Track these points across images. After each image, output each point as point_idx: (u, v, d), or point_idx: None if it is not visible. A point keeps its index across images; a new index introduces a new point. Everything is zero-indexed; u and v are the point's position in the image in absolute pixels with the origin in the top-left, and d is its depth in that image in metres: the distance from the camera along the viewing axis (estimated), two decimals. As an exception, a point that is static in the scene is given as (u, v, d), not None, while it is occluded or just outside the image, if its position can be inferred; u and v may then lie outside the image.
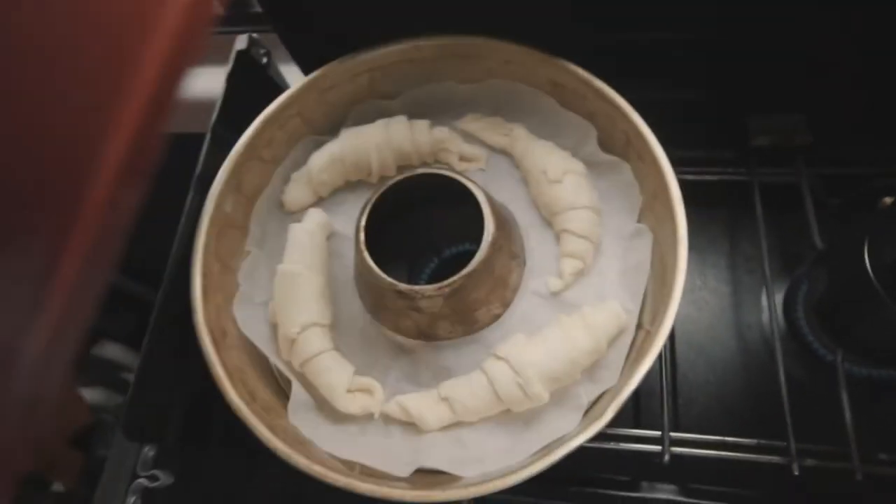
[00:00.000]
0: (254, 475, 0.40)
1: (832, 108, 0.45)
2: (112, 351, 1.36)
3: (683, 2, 0.39)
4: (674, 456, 0.38)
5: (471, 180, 0.35)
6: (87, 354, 1.34)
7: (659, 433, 0.38)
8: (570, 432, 0.32)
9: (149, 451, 0.34)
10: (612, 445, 0.38)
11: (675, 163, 0.44)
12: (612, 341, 0.34)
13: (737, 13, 0.40)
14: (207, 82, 0.43)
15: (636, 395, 0.41)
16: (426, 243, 0.43)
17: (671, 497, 0.39)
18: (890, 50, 0.38)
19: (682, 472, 0.39)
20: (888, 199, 0.38)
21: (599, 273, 0.37)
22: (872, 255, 0.33)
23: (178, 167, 0.39)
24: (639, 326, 0.35)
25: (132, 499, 0.32)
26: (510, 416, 0.34)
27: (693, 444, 0.38)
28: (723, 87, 0.46)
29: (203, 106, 0.43)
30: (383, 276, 0.33)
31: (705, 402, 0.41)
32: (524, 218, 0.39)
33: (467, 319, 0.36)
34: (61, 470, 0.85)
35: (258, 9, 0.46)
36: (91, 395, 1.30)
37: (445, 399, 0.34)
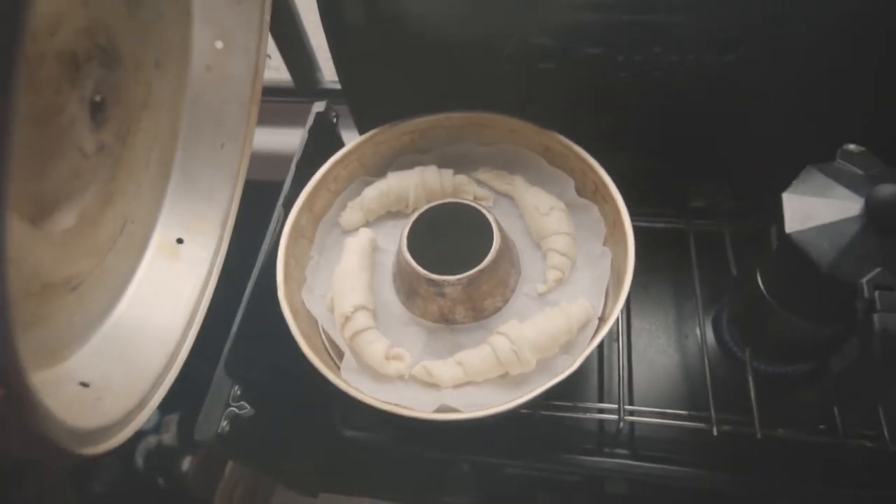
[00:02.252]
0: (310, 414, 0.51)
1: (749, 179, 0.61)
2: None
3: (642, 99, 0.56)
4: (626, 424, 0.50)
5: (484, 207, 0.50)
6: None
7: (616, 406, 0.50)
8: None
9: (237, 389, 0.45)
10: (581, 415, 0.51)
11: (632, 213, 0.60)
12: (582, 328, 0.47)
13: (682, 109, 0.56)
14: (291, 139, 0.58)
15: (600, 378, 0.54)
16: (449, 256, 0.56)
17: (626, 462, 0.51)
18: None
19: (633, 439, 0.51)
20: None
21: (574, 282, 0.51)
22: (763, 277, 0.47)
23: (271, 198, 0.53)
24: (601, 319, 0.48)
25: (224, 422, 0.44)
26: (507, 379, 0.47)
27: (642, 414, 0.50)
28: (671, 161, 0.62)
29: (281, 157, 0.57)
30: (420, 269, 0.47)
31: (653, 389, 0.54)
32: (520, 242, 0.54)
33: (477, 307, 0.49)
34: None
35: (329, 86, 0.62)
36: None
37: (460, 363, 0.46)
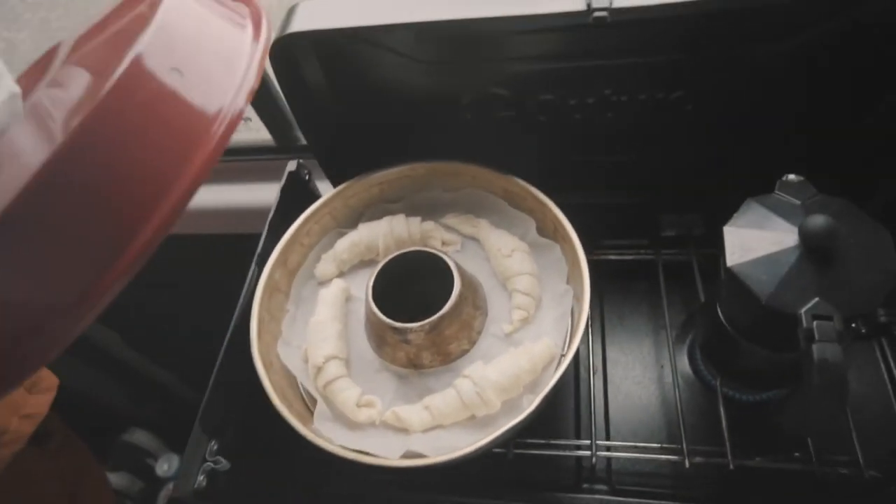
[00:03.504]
0: (290, 466, 0.52)
1: (718, 207, 0.62)
2: (140, 438, 1.47)
3: (599, 137, 0.58)
4: (602, 460, 0.51)
5: (447, 255, 0.51)
6: (116, 440, 1.43)
7: (589, 441, 0.50)
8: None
9: (214, 445, 0.47)
10: (554, 452, 0.51)
11: (603, 247, 0.61)
12: (546, 366, 0.48)
13: (638, 144, 0.58)
14: (267, 194, 0.61)
15: (577, 412, 0.54)
16: (416, 303, 0.58)
17: (604, 497, 0.51)
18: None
19: (610, 473, 0.51)
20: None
21: (539, 320, 0.52)
22: (721, 306, 0.48)
23: (247, 252, 0.56)
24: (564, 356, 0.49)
25: (202, 477, 0.45)
26: (474, 421, 0.48)
27: (616, 449, 0.51)
28: (637, 194, 0.63)
29: (265, 210, 0.60)
30: (384, 317, 0.48)
31: (631, 421, 0.54)
32: (487, 283, 0.55)
33: (443, 351, 0.50)
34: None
35: (303, 142, 0.65)
36: (116, 479, 1.39)
37: (427, 407, 0.48)
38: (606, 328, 0.60)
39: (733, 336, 0.47)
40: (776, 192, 0.42)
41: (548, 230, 0.55)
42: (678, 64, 0.49)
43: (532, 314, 0.52)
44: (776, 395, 0.51)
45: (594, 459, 0.49)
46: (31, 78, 0.33)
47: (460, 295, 0.49)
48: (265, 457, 0.51)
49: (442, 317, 0.48)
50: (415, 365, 0.51)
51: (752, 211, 0.42)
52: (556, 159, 0.62)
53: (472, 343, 0.51)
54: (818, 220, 0.37)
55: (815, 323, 0.36)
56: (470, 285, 0.51)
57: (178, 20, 0.30)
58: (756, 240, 0.40)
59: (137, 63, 0.27)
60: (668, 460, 0.50)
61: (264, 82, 0.67)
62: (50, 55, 0.35)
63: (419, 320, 0.48)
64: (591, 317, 0.59)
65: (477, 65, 0.53)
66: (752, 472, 0.47)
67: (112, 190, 0.26)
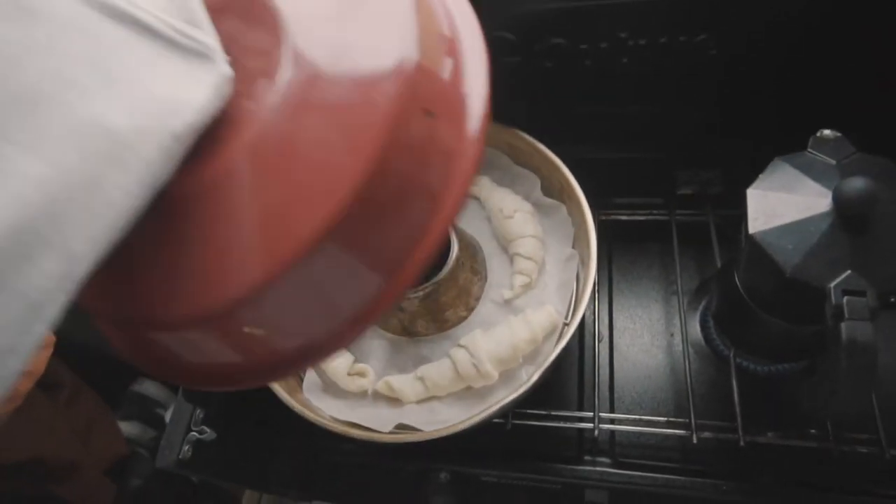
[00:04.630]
0: (279, 436, 0.51)
1: (739, 163, 0.57)
2: (149, 388, 1.48)
3: (610, 86, 0.53)
4: (605, 432, 0.49)
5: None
6: (127, 390, 1.46)
7: (592, 413, 0.48)
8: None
9: (199, 413, 0.45)
10: (558, 424, 0.49)
11: (613, 207, 0.57)
12: (548, 336, 0.45)
13: (653, 93, 0.53)
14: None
15: (580, 382, 0.52)
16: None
17: (606, 470, 0.49)
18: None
19: (614, 445, 0.49)
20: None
21: (542, 286, 0.49)
22: (739, 275, 0.44)
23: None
24: (567, 325, 0.46)
25: (187, 447, 0.44)
26: (470, 392, 0.45)
27: (620, 422, 0.48)
28: (651, 149, 0.58)
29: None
30: (376, 283, 0.45)
31: (636, 392, 0.51)
32: (487, 246, 0.52)
33: (439, 318, 0.47)
34: (96, 499, 0.96)
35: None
36: (127, 428, 1.42)
37: (420, 378, 0.45)
38: (614, 293, 0.56)
39: (751, 307, 0.43)
40: (808, 149, 0.38)
41: (553, 189, 0.51)
42: (703, 2, 0.44)
43: (534, 280, 0.48)
44: (793, 367, 0.48)
45: (597, 432, 0.47)
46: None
47: (457, 260, 0.45)
48: (254, 426, 0.50)
49: (437, 283, 0.45)
50: (409, 332, 0.48)
51: (781, 171, 0.38)
52: (565, 110, 0.57)
53: (470, 310, 0.48)
54: (855, 183, 0.33)
55: (845, 299, 0.32)
56: (468, 249, 0.48)
57: None
58: (783, 204, 0.36)
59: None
60: (675, 434, 0.47)
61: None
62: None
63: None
64: (599, 281, 0.55)
65: (483, 5, 0.48)
66: (763, 449, 0.45)
67: (400, 214, 0.27)
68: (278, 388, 0.44)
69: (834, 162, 0.36)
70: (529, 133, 0.51)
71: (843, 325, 0.32)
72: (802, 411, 0.45)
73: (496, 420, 0.48)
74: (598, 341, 0.52)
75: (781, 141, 0.40)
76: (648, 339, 0.54)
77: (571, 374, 0.53)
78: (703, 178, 0.58)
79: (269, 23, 0.27)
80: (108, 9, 0.23)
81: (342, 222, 0.24)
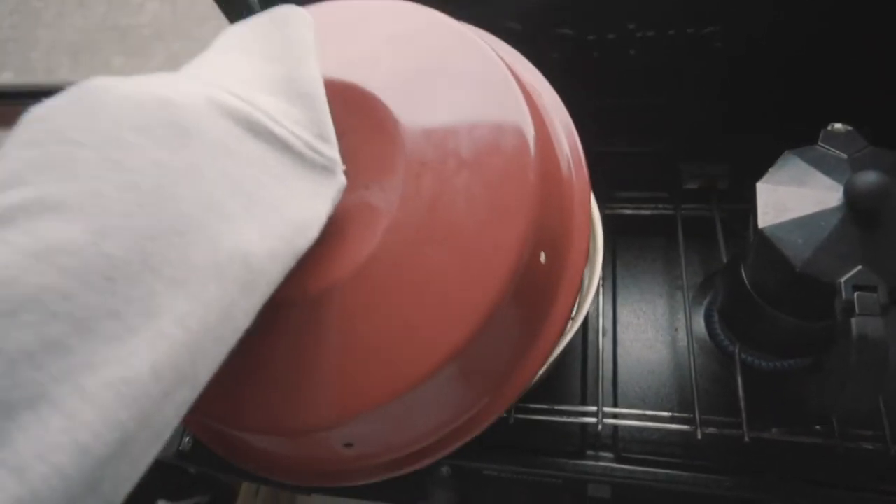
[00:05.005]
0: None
1: (746, 157, 0.56)
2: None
3: (618, 78, 0.52)
4: (608, 427, 0.48)
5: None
6: None
7: (596, 408, 0.48)
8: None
9: (201, 405, 0.45)
10: (560, 419, 0.49)
11: (617, 200, 0.56)
12: (552, 330, 0.45)
13: (660, 86, 0.53)
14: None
15: (583, 376, 0.51)
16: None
17: (609, 465, 0.48)
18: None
19: (616, 440, 0.49)
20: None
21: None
22: (745, 269, 0.43)
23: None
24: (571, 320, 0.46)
25: (187, 438, 0.43)
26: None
27: (623, 417, 0.48)
28: (657, 142, 0.58)
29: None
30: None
31: (640, 387, 0.51)
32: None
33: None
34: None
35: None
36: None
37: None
38: (618, 288, 0.56)
39: (758, 302, 0.43)
40: (819, 143, 0.37)
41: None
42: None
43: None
44: (798, 363, 0.48)
45: (600, 427, 0.47)
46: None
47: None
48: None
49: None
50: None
51: (791, 165, 0.37)
52: (569, 102, 0.56)
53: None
54: (867, 177, 0.33)
55: (856, 294, 0.32)
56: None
57: None
58: (793, 198, 0.36)
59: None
60: (679, 429, 0.47)
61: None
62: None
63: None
64: (602, 275, 0.55)
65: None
66: (767, 445, 0.44)
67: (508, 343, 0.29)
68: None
69: (845, 156, 0.36)
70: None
71: (853, 321, 0.32)
72: (809, 407, 0.45)
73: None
74: (602, 336, 0.51)
75: (789, 135, 0.40)
76: (652, 334, 0.54)
77: (574, 368, 0.53)
78: (710, 172, 0.57)
79: (389, 148, 0.28)
80: (252, 125, 0.24)
81: (462, 352, 0.24)
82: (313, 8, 0.31)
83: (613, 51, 0.49)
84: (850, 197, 0.33)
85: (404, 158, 0.28)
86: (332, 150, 0.26)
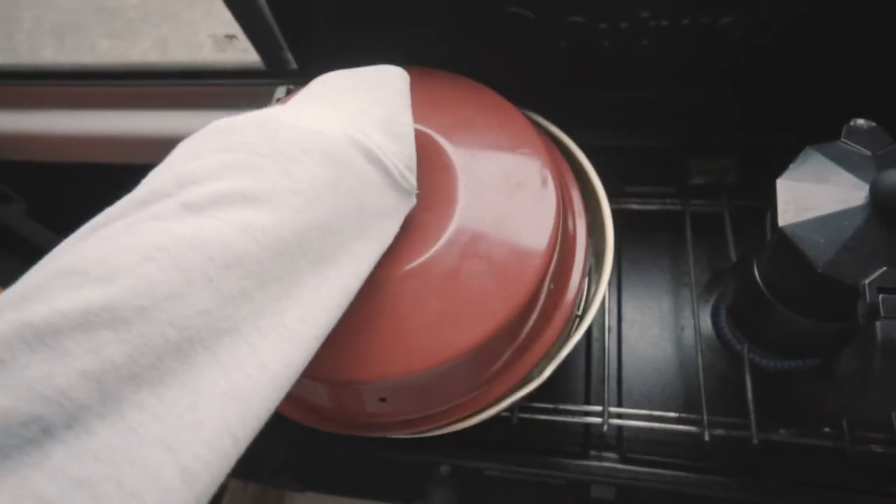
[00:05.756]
0: (268, 426, 0.49)
1: (755, 153, 0.55)
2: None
3: (628, 69, 0.51)
4: (612, 427, 0.47)
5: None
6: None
7: (601, 408, 0.46)
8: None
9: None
10: (564, 418, 0.47)
11: (624, 195, 0.55)
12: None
13: (673, 77, 0.51)
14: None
15: (587, 374, 0.50)
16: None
17: (613, 465, 0.47)
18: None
19: (621, 440, 0.48)
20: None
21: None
22: (759, 267, 0.42)
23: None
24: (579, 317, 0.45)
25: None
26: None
27: (628, 417, 0.47)
28: (666, 135, 0.56)
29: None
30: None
31: (644, 386, 0.50)
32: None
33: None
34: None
35: (294, 66, 0.58)
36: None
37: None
38: (623, 284, 0.55)
39: (770, 302, 0.42)
40: (842, 139, 0.36)
41: (568, 174, 0.49)
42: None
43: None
44: (806, 364, 0.47)
45: (606, 427, 0.46)
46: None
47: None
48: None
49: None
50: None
51: (813, 162, 0.36)
52: (576, 93, 0.55)
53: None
54: (895, 175, 0.31)
55: (880, 297, 0.31)
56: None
57: None
58: (815, 196, 0.34)
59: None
60: (686, 430, 0.46)
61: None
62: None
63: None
64: (608, 272, 0.54)
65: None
66: (775, 447, 0.44)
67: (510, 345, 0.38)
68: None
69: (869, 153, 0.35)
70: (539, 114, 0.49)
71: (878, 325, 0.30)
72: (819, 409, 0.44)
73: (503, 413, 0.47)
74: (608, 333, 0.50)
75: (801, 131, 0.39)
76: (658, 332, 0.52)
77: (578, 366, 0.52)
78: (718, 167, 0.56)
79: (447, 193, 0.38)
80: (368, 154, 0.32)
81: (481, 344, 0.33)
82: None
83: (625, 40, 0.47)
84: (877, 196, 0.32)
85: (460, 193, 0.37)
86: (414, 179, 0.35)
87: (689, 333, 0.52)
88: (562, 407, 0.47)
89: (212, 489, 0.21)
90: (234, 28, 0.58)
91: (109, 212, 0.25)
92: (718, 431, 0.44)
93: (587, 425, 0.48)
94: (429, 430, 0.39)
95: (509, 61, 0.50)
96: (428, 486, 0.51)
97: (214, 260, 0.23)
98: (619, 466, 0.47)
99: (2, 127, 0.70)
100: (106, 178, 0.49)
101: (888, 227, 0.32)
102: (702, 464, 0.46)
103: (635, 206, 0.56)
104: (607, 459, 0.48)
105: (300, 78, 0.57)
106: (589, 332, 0.52)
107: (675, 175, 0.56)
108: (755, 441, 0.43)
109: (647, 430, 0.47)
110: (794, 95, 0.49)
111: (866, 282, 0.32)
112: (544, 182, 0.38)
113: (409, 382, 0.34)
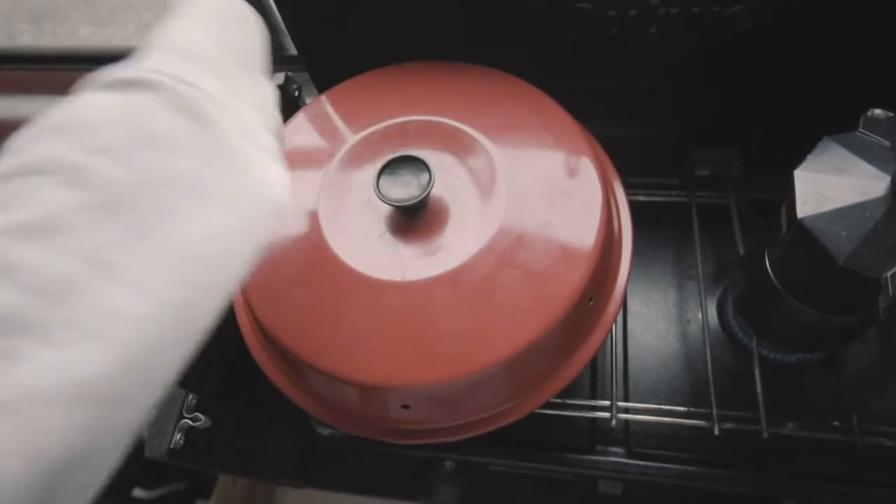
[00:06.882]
0: (269, 423, 0.48)
1: (762, 144, 0.55)
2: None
3: (635, 57, 0.50)
4: (620, 421, 0.47)
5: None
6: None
7: (609, 402, 0.46)
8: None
9: (192, 399, 0.42)
10: (571, 413, 0.47)
11: (629, 187, 0.54)
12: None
13: (681, 67, 0.50)
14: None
15: (593, 372, 0.50)
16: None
17: (620, 460, 0.47)
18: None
19: (628, 435, 0.47)
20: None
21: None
22: (771, 260, 0.42)
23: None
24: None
25: (178, 435, 0.40)
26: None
27: (636, 412, 0.46)
28: (672, 126, 0.56)
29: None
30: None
31: (651, 380, 0.50)
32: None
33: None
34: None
35: (293, 52, 0.56)
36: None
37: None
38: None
39: (782, 294, 0.41)
40: (860, 130, 0.36)
41: (574, 166, 0.48)
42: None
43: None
44: (814, 356, 0.47)
45: (614, 422, 0.45)
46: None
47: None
48: (250, 413, 0.46)
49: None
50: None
51: (831, 152, 0.35)
52: (582, 81, 0.54)
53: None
54: (919, 167, 0.31)
55: (903, 290, 0.30)
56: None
57: None
58: (835, 187, 0.34)
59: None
60: (694, 424, 0.45)
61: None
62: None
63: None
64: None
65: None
66: (784, 441, 0.43)
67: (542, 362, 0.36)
68: (274, 374, 0.40)
69: (888, 143, 0.34)
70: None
71: (900, 319, 0.30)
72: (831, 403, 0.44)
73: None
74: (613, 326, 0.50)
75: (813, 122, 0.38)
76: (664, 326, 0.52)
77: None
78: (722, 157, 0.55)
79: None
80: (200, 117, 0.23)
81: (510, 360, 0.31)
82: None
83: (633, 28, 0.47)
84: (899, 187, 0.31)
85: (501, 198, 0.35)
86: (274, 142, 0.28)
87: (695, 327, 0.51)
88: (569, 402, 0.47)
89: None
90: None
91: None
92: (728, 425, 0.44)
93: (594, 420, 0.48)
94: (447, 439, 0.38)
95: (516, 49, 0.49)
96: (433, 482, 0.50)
97: None
98: (628, 461, 0.46)
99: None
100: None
101: (911, 218, 0.31)
102: (708, 457, 0.45)
103: (641, 198, 0.55)
104: (614, 454, 0.47)
105: (299, 64, 0.56)
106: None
107: (680, 167, 0.56)
108: (765, 435, 0.42)
109: (654, 424, 0.47)
110: (801, 86, 0.49)
111: (888, 275, 0.31)
112: (591, 193, 0.36)
113: (433, 392, 0.32)
